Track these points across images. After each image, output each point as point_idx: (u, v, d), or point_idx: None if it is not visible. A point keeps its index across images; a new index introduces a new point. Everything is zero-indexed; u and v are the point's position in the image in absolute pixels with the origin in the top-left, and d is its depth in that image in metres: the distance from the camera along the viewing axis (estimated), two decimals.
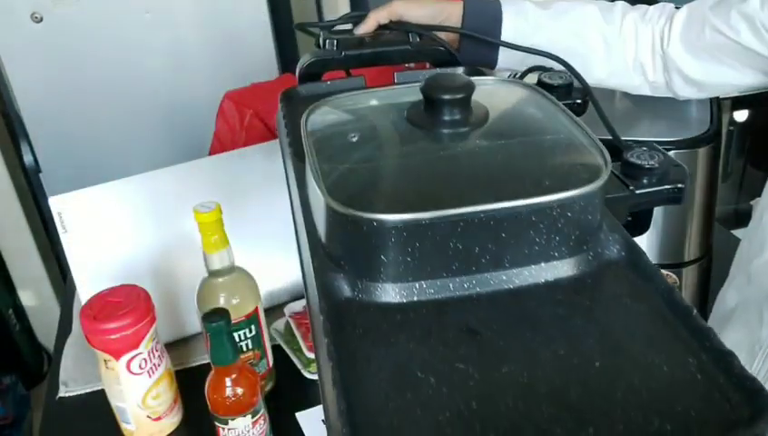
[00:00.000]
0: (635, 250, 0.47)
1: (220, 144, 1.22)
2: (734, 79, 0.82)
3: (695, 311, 0.41)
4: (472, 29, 0.79)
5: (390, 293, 0.45)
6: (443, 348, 0.42)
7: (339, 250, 0.47)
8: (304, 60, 0.71)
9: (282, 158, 0.63)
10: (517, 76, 0.75)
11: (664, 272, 0.79)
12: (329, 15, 2.01)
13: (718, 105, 0.84)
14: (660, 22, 0.83)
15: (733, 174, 2.00)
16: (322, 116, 0.56)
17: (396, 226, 0.43)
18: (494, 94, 0.59)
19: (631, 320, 0.43)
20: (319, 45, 0.75)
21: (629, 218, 0.74)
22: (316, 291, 0.46)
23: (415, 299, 0.45)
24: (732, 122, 1.87)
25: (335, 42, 0.73)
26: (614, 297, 0.45)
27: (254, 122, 1.19)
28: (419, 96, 0.53)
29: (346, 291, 0.46)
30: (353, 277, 0.46)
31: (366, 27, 0.77)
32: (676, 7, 0.83)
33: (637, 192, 0.53)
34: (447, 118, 0.52)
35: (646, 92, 0.84)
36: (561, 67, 0.66)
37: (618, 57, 0.81)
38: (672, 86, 0.83)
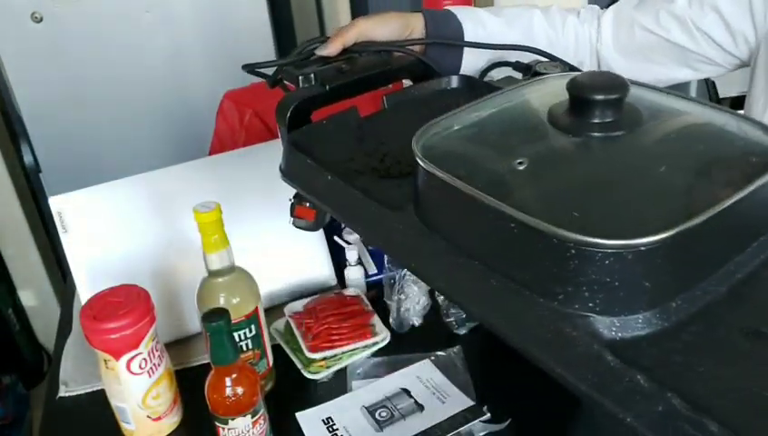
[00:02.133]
0: None
1: (220, 144, 1.22)
2: (664, 75, 0.86)
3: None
4: (436, 38, 0.81)
5: (652, 322, 0.41)
6: (742, 358, 0.40)
7: (588, 291, 0.41)
8: (288, 103, 0.67)
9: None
10: (479, 75, 0.76)
11: None
12: (329, 15, 2.01)
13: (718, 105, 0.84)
14: (593, 23, 0.89)
15: None
16: (444, 150, 0.50)
17: (653, 248, 0.39)
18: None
19: None
20: (272, 85, 0.73)
21: None
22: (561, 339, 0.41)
23: (674, 319, 0.41)
24: None
25: (312, 77, 0.70)
26: None
27: (254, 121, 1.19)
28: (512, 101, 0.52)
29: (604, 333, 0.41)
30: (606, 317, 0.41)
31: (330, 49, 0.75)
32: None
33: None
34: (594, 121, 0.48)
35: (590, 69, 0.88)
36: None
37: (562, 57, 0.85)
38: None
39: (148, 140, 1.66)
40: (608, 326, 0.41)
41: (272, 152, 1.03)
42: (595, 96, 0.48)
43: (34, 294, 1.98)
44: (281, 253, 1.00)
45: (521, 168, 0.47)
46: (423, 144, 0.47)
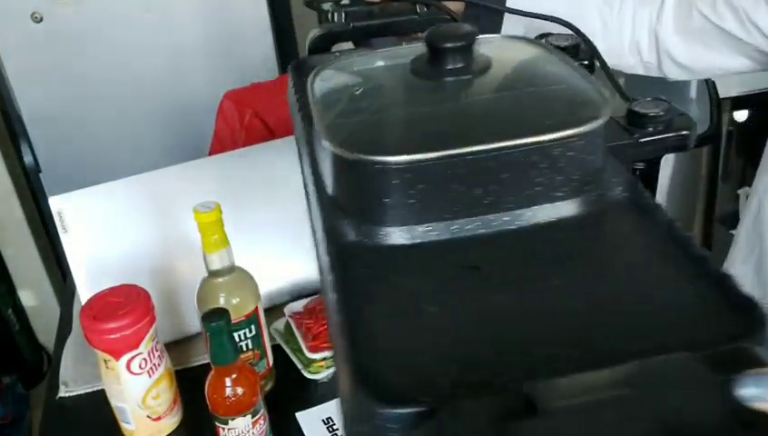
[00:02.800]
0: (637, 189, 0.47)
1: (220, 144, 1.22)
2: (721, 63, 0.84)
3: (694, 239, 0.41)
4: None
5: (393, 237, 0.46)
6: (445, 282, 0.43)
7: (345, 197, 0.48)
8: (312, 34, 0.72)
9: (294, 130, 0.62)
10: None
11: None
12: None
13: (718, 105, 0.84)
14: (655, 3, 0.85)
15: (733, 174, 2.00)
16: (328, 77, 0.57)
17: (399, 168, 0.44)
18: (497, 47, 0.60)
19: (632, 252, 0.44)
20: (322, 21, 0.76)
21: None
22: (324, 238, 0.48)
23: (418, 241, 0.45)
24: (732, 122, 1.87)
25: (343, 14, 0.73)
26: (615, 233, 0.46)
27: (254, 122, 1.19)
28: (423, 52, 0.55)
29: (351, 235, 0.47)
30: (358, 222, 0.46)
31: None
32: None
33: (641, 140, 0.53)
34: (449, 66, 0.53)
35: (639, 71, 0.87)
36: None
37: (614, 38, 0.83)
38: (662, 67, 0.85)
39: (148, 140, 1.66)
40: (357, 229, 0.48)
41: (272, 152, 1.03)
42: (446, 44, 0.53)
43: (34, 294, 1.98)
44: (281, 253, 1.00)
45: (417, 118, 0.52)
46: (338, 138, 0.49)
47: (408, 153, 0.44)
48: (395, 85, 0.57)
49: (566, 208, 0.46)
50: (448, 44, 0.52)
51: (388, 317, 0.42)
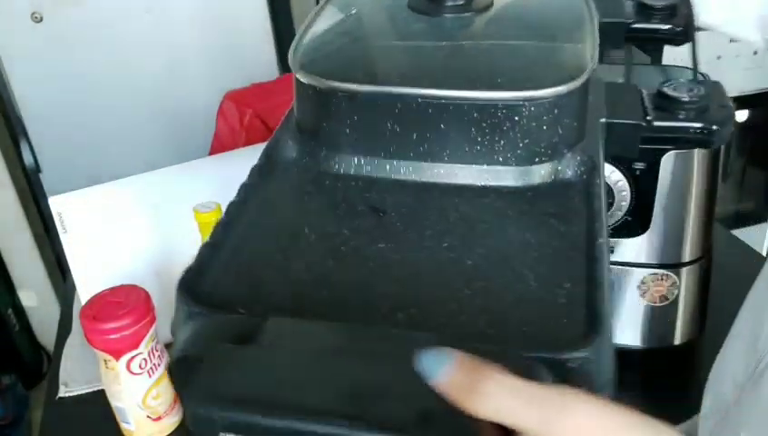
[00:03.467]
0: (594, 175, 0.44)
1: (220, 144, 1.22)
2: None
3: (601, 240, 0.39)
4: None
5: (330, 162, 0.47)
6: (343, 216, 0.44)
7: (299, 117, 0.50)
8: None
9: None
10: None
11: (663, 272, 0.79)
12: None
13: None
14: None
15: (733, 174, 2.00)
16: (328, 14, 0.56)
17: (343, 94, 0.44)
18: None
19: (539, 237, 0.41)
20: None
21: (628, 218, 0.75)
22: (264, 150, 0.50)
23: (351, 172, 0.46)
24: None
25: None
26: (539, 214, 0.43)
27: (254, 122, 1.19)
28: None
29: (291, 151, 0.50)
30: (301, 143, 0.49)
31: None
32: None
33: (655, 123, 0.49)
34: (446, 3, 0.51)
35: (760, 48, 0.80)
36: None
37: (739, 9, 0.77)
38: None
39: (148, 140, 1.66)
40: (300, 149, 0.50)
41: None
42: None
43: (34, 294, 1.98)
44: None
45: (384, 52, 0.52)
46: (308, 63, 0.50)
47: (356, 83, 0.44)
48: (385, 18, 0.56)
49: (504, 175, 0.44)
50: None
51: (266, 230, 0.44)
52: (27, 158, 1.78)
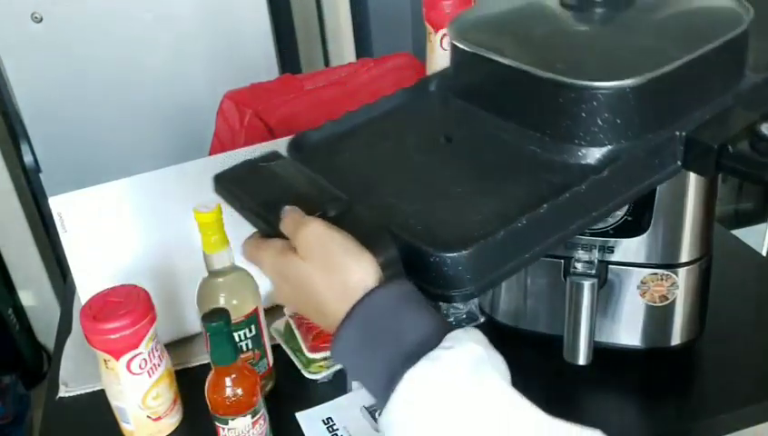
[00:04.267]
0: (608, 172, 0.53)
1: (220, 144, 1.22)
2: None
3: (546, 206, 0.50)
4: None
5: (438, 102, 0.67)
6: (424, 135, 0.64)
7: (450, 67, 0.67)
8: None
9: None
10: None
11: (663, 272, 0.79)
12: (329, 14, 2.01)
13: None
14: None
15: None
16: (475, 32, 0.66)
17: (468, 51, 0.61)
18: None
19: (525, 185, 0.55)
20: None
21: (628, 218, 0.75)
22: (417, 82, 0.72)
23: (450, 112, 0.65)
24: None
25: None
26: (544, 170, 0.56)
27: (254, 122, 1.19)
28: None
29: (433, 87, 0.70)
30: (438, 84, 0.69)
31: None
32: None
33: (732, 151, 0.54)
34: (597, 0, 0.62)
35: None
36: None
37: None
38: None
39: (148, 140, 1.66)
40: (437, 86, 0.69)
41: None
42: None
43: (34, 294, 1.98)
44: None
45: (537, 39, 0.64)
46: (456, 30, 0.65)
47: (483, 48, 0.59)
48: (535, 7, 0.69)
49: (544, 145, 0.56)
50: None
51: (357, 135, 0.65)
52: (27, 158, 1.78)
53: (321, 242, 0.50)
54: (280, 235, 0.53)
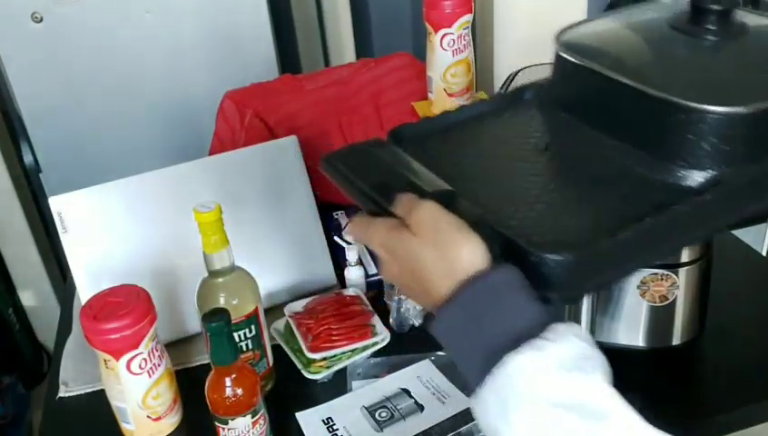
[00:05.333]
0: (709, 195, 0.53)
1: (220, 144, 1.22)
2: None
3: (649, 220, 0.51)
4: None
5: (534, 110, 0.69)
6: (525, 141, 0.65)
7: (551, 78, 0.70)
8: None
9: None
10: None
11: (663, 272, 0.79)
12: (328, 15, 2.01)
13: None
14: None
15: None
16: (584, 46, 0.67)
17: (580, 65, 0.62)
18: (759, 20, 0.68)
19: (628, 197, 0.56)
20: None
21: None
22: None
23: (556, 119, 0.66)
24: None
25: None
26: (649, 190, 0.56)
27: (254, 122, 1.19)
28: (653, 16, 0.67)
29: (529, 95, 0.71)
30: (541, 91, 0.71)
31: None
32: None
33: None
34: (705, 25, 0.62)
35: None
36: None
37: None
38: None
39: (148, 140, 1.65)
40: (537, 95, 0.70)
41: (273, 152, 1.03)
42: (711, 6, 0.62)
43: (34, 294, 1.98)
44: (281, 253, 1.00)
45: (647, 59, 0.64)
46: (563, 42, 0.66)
47: (593, 62, 0.60)
48: (645, 27, 0.70)
49: (650, 165, 0.57)
50: (711, 5, 0.61)
51: (453, 133, 0.68)
52: (27, 158, 1.77)
53: (435, 218, 0.51)
54: (389, 216, 0.55)
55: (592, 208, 0.55)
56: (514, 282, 0.49)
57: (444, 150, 0.66)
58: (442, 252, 0.50)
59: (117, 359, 0.75)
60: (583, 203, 0.56)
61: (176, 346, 0.92)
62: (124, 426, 0.81)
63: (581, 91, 0.63)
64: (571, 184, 0.60)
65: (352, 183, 0.60)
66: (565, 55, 0.63)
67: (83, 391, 0.90)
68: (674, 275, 0.79)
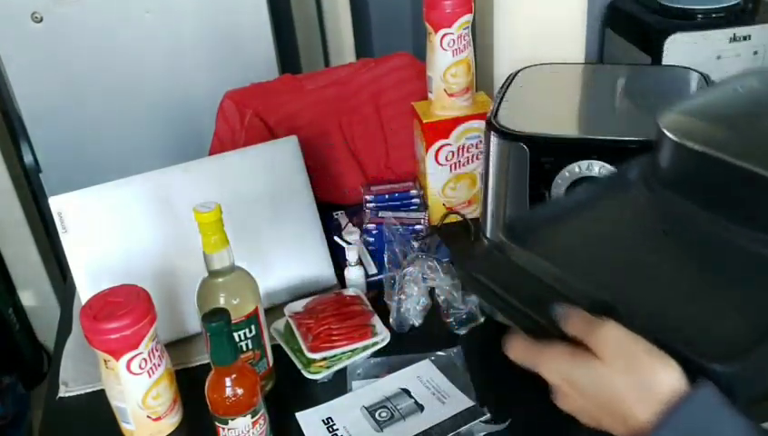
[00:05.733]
0: None
1: (220, 144, 1.22)
2: None
3: None
4: None
5: (643, 191, 0.65)
6: (640, 224, 0.63)
7: (657, 156, 0.64)
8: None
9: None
10: None
11: None
12: (328, 15, 2.01)
13: None
14: None
15: None
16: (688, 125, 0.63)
17: (690, 149, 0.59)
18: None
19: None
20: None
21: None
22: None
23: (666, 202, 0.62)
24: None
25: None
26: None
27: (254, 122, 1.19)
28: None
29: (634, 174, 0.66)
30: (644, 171, 0.65)
31: None
32: None
33: None
34: None
35: None
36: None
37: None
38: None
39: (148, 140, 1.66)
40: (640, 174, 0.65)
41: (273, 152, 1.03)
42: None
43: (34, 294, 1.98)
44: (281, 253, 1.00)
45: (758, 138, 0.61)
46: (670, 123, 0.62)
47: (708, 146, 0.57)
48: (764, 106, 0.66)
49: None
50: None
51: (568, 220, 0.65)
52: (27, 158, 1.78)
53: (621, 341, 0.49)
54: (546, 333, 0.52)
55: (739, 303, 0.53)
56: (717, 398, 0.47)
57: (566, 243, 0.63)
58: (637, 378, 0.48)
59: (117, 359, 0.75)
60: (727, 299, 0.54)
61: (176, 346, 0.92)
62: (124, 426, 0.81)
63: (694, 175, 0.60)
64: (707, 276, 0.58)
65: (503, 299, 0.58)
66: (675, 139, 0.59)
67: (83, 391, 0.90)
68: None
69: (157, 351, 0.79)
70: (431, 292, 0.96)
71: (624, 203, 0.66)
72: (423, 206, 1.17)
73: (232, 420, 0.72)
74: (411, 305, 0.94)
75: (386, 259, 1.00)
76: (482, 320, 0.94)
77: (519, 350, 0.55)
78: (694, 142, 0.58)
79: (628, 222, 0.64)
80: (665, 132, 0.60)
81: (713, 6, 1.46)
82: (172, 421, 0.83)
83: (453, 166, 1.15)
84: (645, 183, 0.64)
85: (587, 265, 0.59)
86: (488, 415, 0.79)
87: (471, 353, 0.90)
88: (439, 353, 0.90)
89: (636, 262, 0.59)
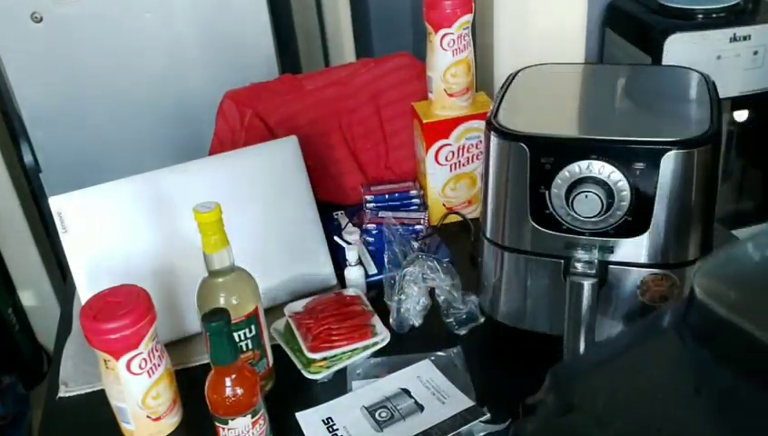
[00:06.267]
0: None
1: (220, 144, 1.22)
2: None
3: None
4: None
5: (677, 342, 0.59)
6: (674, 381, 0.59)
7: (693, 315, 0.59)
8: None
9: None
10: None
11: (663, 272, 0.79)
12: (328, 15, 2.01)
13: (718, 105, 0.84)
14: None
15: (733, 174, 2.00)
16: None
17: (715, 315, 0.54)
18: None
19: None
20: None
21: (628, 218, 0.75)
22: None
23: (699, 360, 0.57)
24: (732, 122, 1.87)
25: None
26: None
27: (254, 122, 1.19)
28: None
29: (668, 322, 0.61)
30: (684, 327, 0.59)
31: None
32: None
33: None
34: None
35: None
36: None
37: None
38: None
39: (148, 140, 1.66)
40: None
41: (273, 152, 1.03)
42: None
43: (34, 294, 1.98)
44: (281, 253, 1.00)
45: None
46: (708, 287, 0.57)
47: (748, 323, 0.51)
48: None
49: None
50: None
51: (606, 371, 0.61)
52: (27, 158, 1.78)
53: None
54: None
55: None
56: None
57: (615, 399, 0.61)
58: None
59: (117, 359, 0.75)
60: None
61: (176, 346, 0.92)
62: (124, 426, 0.81)
63: (728, 343, 0.57)
64: None
65: None
66: (711, 306, 0.56)
67: (83, 391, 0.90)
68: (673, 275, 0.79)
69: (157, 351, 0.79)
70: (431, 292, 0.96)
71: (658, 351, 0.63)
72: (423, 206, 1.17)
73: (232, 420, 0.72)
74: (411, 305, 0.94)
75: (386, 259, 1.00)
76: (482, 320, 0.94)
77: None
78: (721, 307, 0.55)
79: (662, 375, 0.61)
80: (696, 287, 0.57)
81: (713, 6, 1.46)
82: (172, 421, 0.83)
83: (453, 166, 1.15)
84: (677, 328, 0.62)
85: (633, 425, 0.57)
86: (488, 415, 0.79)
87: (471, 353, 0.90)
88: (439, 353, 0.90)
89: (665, 418, 0.57)
